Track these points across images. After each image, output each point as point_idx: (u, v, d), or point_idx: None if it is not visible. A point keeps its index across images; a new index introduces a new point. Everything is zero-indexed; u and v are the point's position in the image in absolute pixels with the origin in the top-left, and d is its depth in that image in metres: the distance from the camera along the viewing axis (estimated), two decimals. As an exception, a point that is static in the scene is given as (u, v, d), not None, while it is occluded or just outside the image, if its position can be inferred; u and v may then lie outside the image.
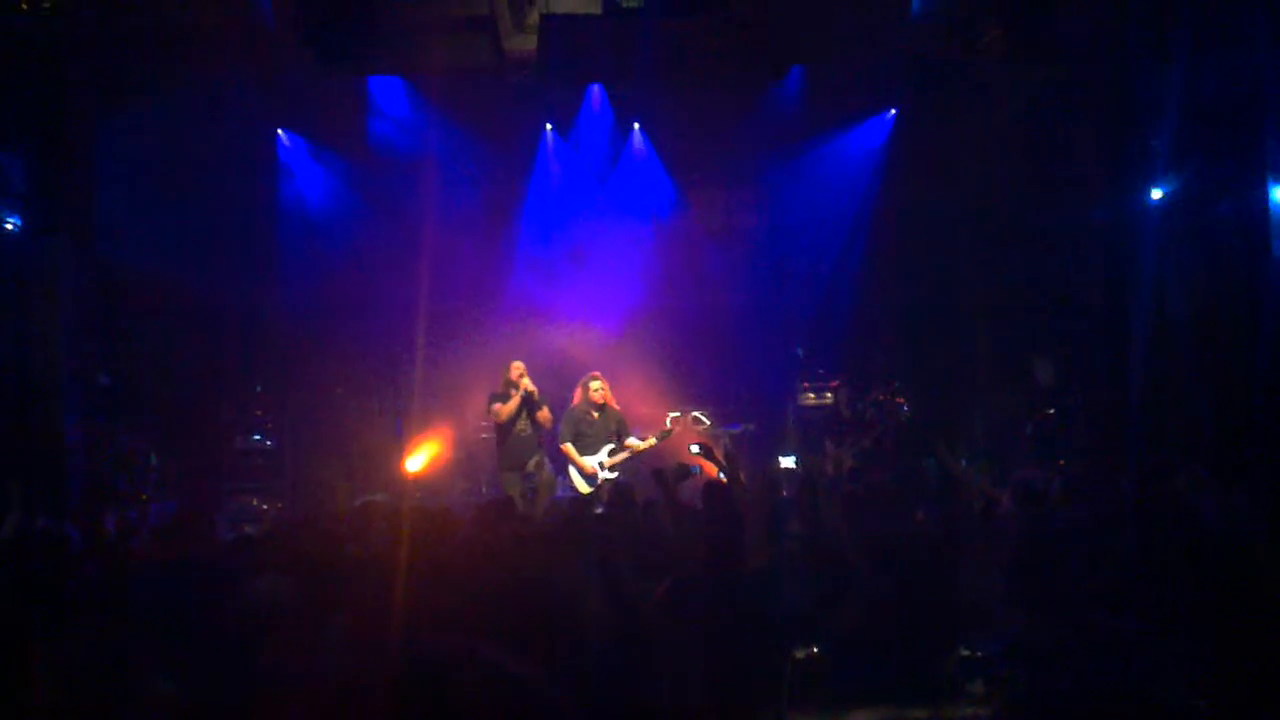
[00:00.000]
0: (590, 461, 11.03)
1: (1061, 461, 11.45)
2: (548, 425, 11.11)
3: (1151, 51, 11.01)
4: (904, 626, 4.83)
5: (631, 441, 11.10)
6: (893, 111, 13.97)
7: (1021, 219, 12.89)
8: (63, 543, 7.05)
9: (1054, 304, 12.79)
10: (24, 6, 10.17)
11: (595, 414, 11.13)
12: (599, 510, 8.22)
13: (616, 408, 11.31)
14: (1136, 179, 11.87)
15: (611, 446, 11.07)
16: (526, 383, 10.99)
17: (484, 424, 11.90)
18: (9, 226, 11.27)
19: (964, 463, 11.10)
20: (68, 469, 10.80)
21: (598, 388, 11.11)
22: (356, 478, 12.63)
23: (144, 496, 11.41)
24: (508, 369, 11.12)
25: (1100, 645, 3.82)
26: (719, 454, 9.03)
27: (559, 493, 11.07)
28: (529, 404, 11.04)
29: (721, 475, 8.32)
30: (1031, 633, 4.50)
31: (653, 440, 11.12)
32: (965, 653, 4.87)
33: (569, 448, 11.09)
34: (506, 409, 10.97)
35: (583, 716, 2.77)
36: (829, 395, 13.42)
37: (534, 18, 11.24)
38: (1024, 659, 4.31)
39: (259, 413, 13.25)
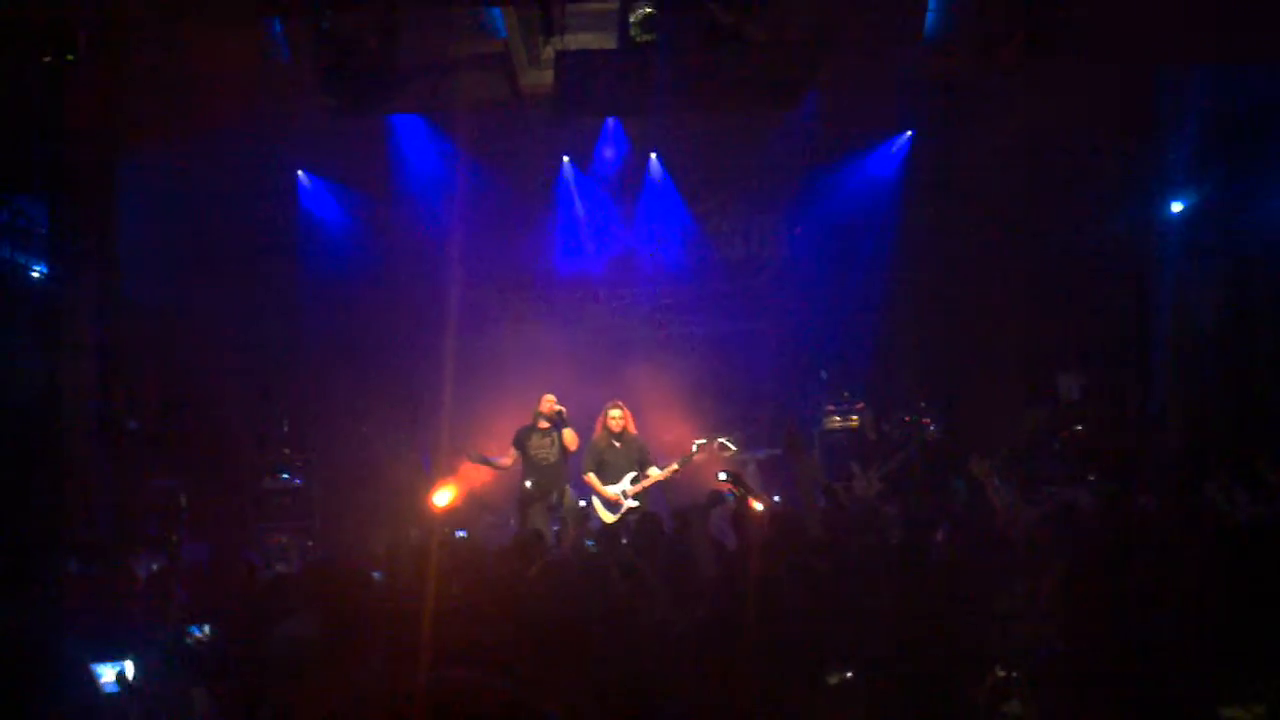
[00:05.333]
0: (613, 490, 11.07)
1: (1091, 476, 11.37)
2: (573, 447, 11.20)
3: (1172, 63, 10.98)
4: (937, 648, 4.80)
5: (653, 470, 11.16)
6: (908, 133, 13.99)
7: (1042, 235, 12.86)
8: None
9: (1077, 319, 12.73)
10: (45, 58, 10.29)
11: (617, 443, 11.19)
12: (625, 540, 8.22)
13: (638, 436, 11.36)
14: (1157, 192, 11.84)
15: (634, 475, 11.11)
16: (551, 408, 11.14)
17: (508, 457, 11.92)
18: (35, 274, 11.39)
19: (997, 482, 11.04)
20: (98, 513, 10.85)
21: (616, 416, 11.21)
22: (385, 514, 12.65)
23: (174, 538, 11.45)
24: (539, 401, 11.24)
25: (1136, 658, 3.79)
26: (748, 481, 9.03)
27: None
28: (558, 427, 11.16)
29: (755, 502, 8.32)
30: (1067, 649, 4.46)
31: (674, 467, 11.17)
32: (1000, 673, 4.83)
33: (592, 478, 11.16)
34: (571, 437, 11.20)
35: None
36: (854, 418, 13.39)
37: (549, 53, 11.29)
38: (1060, 677, 4.28)
39: (287, 451, 13.31)
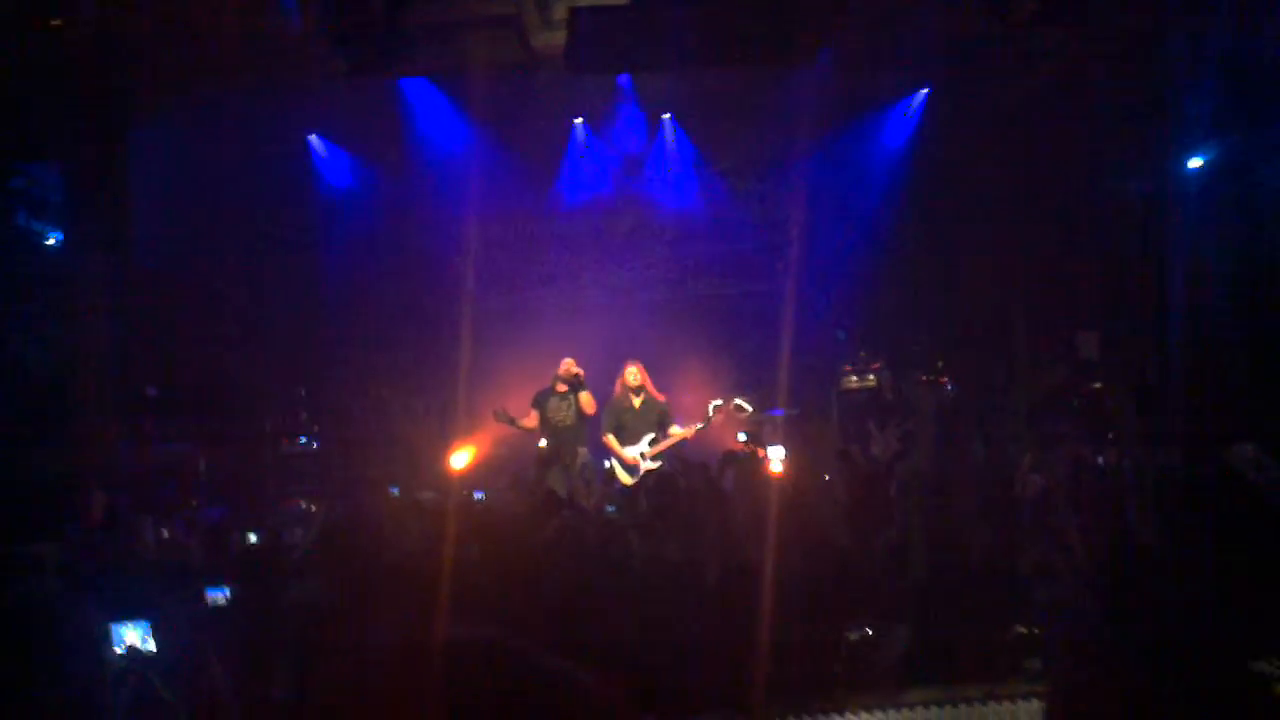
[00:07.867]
0: (631, 452, 11.05)
1: (1110, 435, 11.29)
2: (590, 410, 11.18)
3: (1188, 15, 10.83)
4: (958, 605, 4.78)
5: (674, 430, 11.12)
6: (925, 91, 13.85)
7: (1058, 193, 12.72)
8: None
9: (1095, 276, 12.61)
10: (57, 24, 10.24)
11: (636, 404, 11.16)
12: (644, 500, 8.21)
13: (659, 397, 11.33)
14: (1174, 148, 11.70)
15: (653, 436, 11.08)
16: (569, 371, 11.12)
17: (530, 419, 11.92)
18: (50, 241, 11.39)
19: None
20: (116, 478, 10.89)
21: (633, 373, 11.18)
22: (402, 477, 12.66)
23: (192, 503, 11.49)
24: (559, 364, 11.23)
25: (1157, 618, 3.76)
26: (766, 442, 9.01)
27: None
28: (575, 389, 11.14)
29: (771, 462, 8.31)
30: (1094, 606, 4.43)
31: (693, 429, 11.12)
32: (1021, 630, 4.81)
33: (610, 439, 11.15)
34: (588, 400, 11.18)
35: (632, 703, 2.75)
36: (871, 378, 13.31)
37: (560, 14, 11.19)
38: (1084, 634, 4.25)
39: (304, 415, 13.33)
